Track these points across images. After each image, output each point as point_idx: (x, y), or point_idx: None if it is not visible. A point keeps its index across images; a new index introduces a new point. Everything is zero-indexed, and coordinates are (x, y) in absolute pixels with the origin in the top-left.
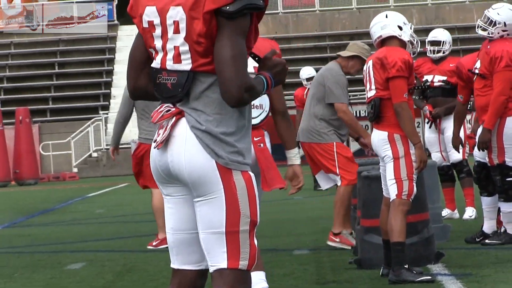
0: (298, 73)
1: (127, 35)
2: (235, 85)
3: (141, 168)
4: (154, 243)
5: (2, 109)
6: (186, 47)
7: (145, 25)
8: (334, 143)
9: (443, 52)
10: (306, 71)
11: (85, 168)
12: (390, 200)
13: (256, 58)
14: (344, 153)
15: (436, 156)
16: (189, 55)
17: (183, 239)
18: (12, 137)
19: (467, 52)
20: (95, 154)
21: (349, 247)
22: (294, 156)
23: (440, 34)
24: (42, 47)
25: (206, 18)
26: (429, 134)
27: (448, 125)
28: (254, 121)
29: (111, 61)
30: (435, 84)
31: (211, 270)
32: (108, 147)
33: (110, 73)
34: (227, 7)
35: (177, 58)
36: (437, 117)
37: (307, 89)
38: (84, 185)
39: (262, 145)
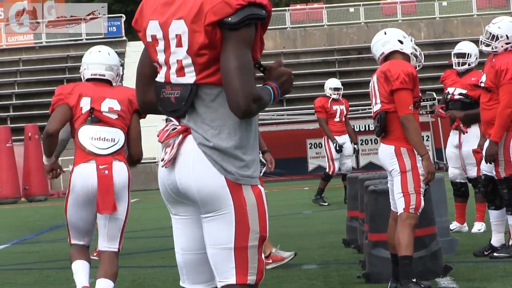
0: (307, 87)
1: (134, 51)
2: (242, 96)
3: None
4: (95, 254)
5: (11, 126)
6: (189, 60)
7: (149, 39)
8: None
9: (469, 65)
10: (335, 81)
11: None
12: (398, 214)
13: (262, 68)
14: None
15: (452, 171)
16: (192, 68)
17: (193, 259)
18: (21, 153)
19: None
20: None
21: (284, 262)
22: None
23: (465, 46)
24: (50, 63)
25: (208, 30)
26: (449, 149)
27: (466, 139)
28: (103, 152)
29: None
30: (455, 97)
31: (219, 286)
32: None
33: None
34: (229, 18)
35: (181, 72)
36: (453, 117)
37: (331, 98)
38: None
39: (107, 172)
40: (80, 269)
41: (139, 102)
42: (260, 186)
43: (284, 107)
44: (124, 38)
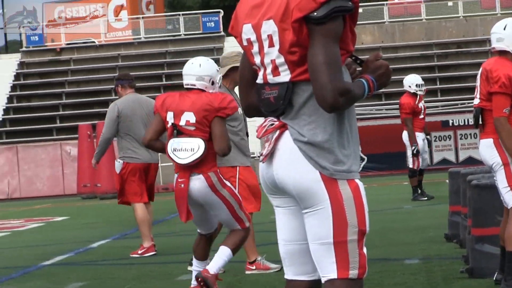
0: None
1: (233, 47)
2: (329, 90)
3: (124, 185)
4: (139, 252)
5: None
6: (282, 59)
7: (245, 43)
8: (238, 167)
9: None
10: (418, 77)
11: None
12: (509, 208)
13: (358, 61)
14: (247, 180)
15: None
16: (286, 67)
17: (294, 250)
18: None
19: None
20: None
21: (268, 272)
22: None
23: None
24: (149, 59)
25: (295, 27)
26: None
27: None
28: (183, 161)
29: None
30: None
31: (322, 280)
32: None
33: None
34: (315, 13)
35: (276, 71)
36: None
37: (418, 96)
38: None
39: (182, 185)
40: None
41: (243, 105)
42: (357, 180)
43: (382, 102)
44: (222, 33)
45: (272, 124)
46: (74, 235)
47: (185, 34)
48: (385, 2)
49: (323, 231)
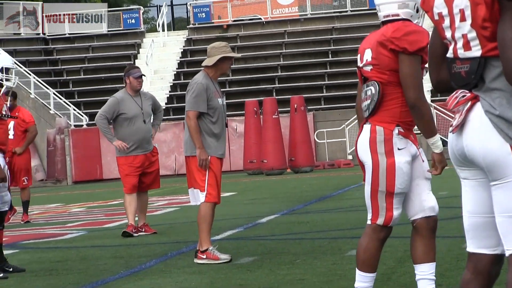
0: None
1: None
2: None
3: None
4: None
5: (277, 97)
6: (474, 34)
7: (436, 17)
8: (209, 157)
9: None
10: None
11: None
12: None
13: None
14: (215, 170)
15: None
16: (477, 41)
17: (479, 222)
18: (287, 125)
19: None
20: None
21: (217, 262)
22: (432, 145)
23: None
24: (315, 35)
25: (488, 2)
26: None
27: None
28: (365, 114)
29: None
30: None
31: (507, 254)
32: None
33: None
34: None
35: (467, 46)
36: None
37: None
38: (358, 172)
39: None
40: None
41: (433, 81)
42: None
43: None
44: None
45: (464, 96)
46: (243, 211)
47: (351, 10)
48: None
49: (510, 204)
